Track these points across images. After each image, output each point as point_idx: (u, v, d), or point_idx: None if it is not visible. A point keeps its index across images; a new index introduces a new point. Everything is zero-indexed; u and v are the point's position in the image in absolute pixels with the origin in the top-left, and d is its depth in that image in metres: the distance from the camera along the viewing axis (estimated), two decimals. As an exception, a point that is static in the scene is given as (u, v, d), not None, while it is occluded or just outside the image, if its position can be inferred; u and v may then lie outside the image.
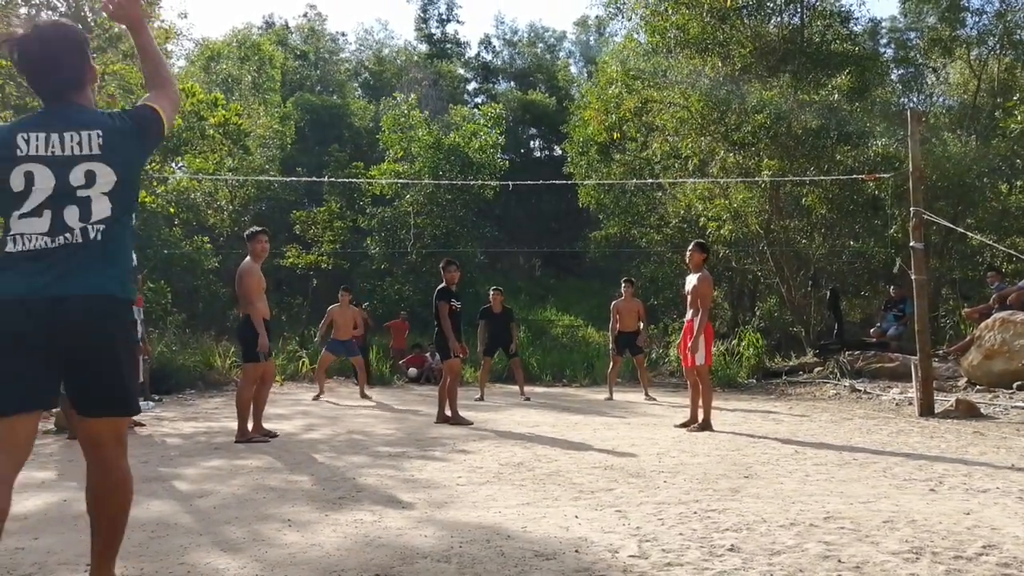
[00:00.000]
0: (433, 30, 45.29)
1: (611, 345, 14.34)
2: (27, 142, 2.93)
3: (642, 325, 13.77)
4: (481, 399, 13.17)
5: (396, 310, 21.44)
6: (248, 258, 8.42)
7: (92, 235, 2.92)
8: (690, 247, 9.39)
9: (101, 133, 2.98)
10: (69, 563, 3.82)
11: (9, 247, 2.89)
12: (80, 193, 2.93)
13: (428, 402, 13.19)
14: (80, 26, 4.07)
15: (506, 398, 13.65)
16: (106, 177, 2.96)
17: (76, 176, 2.93)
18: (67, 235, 2.89)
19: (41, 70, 3.02)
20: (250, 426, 8.26)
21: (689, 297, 9.17)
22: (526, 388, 14.43)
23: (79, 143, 2.95)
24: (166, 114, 3.18)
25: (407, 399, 14.00)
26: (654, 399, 13.29)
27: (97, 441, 3.03)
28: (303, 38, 43.17)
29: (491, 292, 14.49)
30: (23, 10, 17.20)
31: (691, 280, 9.18)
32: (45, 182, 2.91)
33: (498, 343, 14.20)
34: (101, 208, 2.95)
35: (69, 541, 4.21)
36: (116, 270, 2.96)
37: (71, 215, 2.90)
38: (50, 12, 17.47)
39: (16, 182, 2.90)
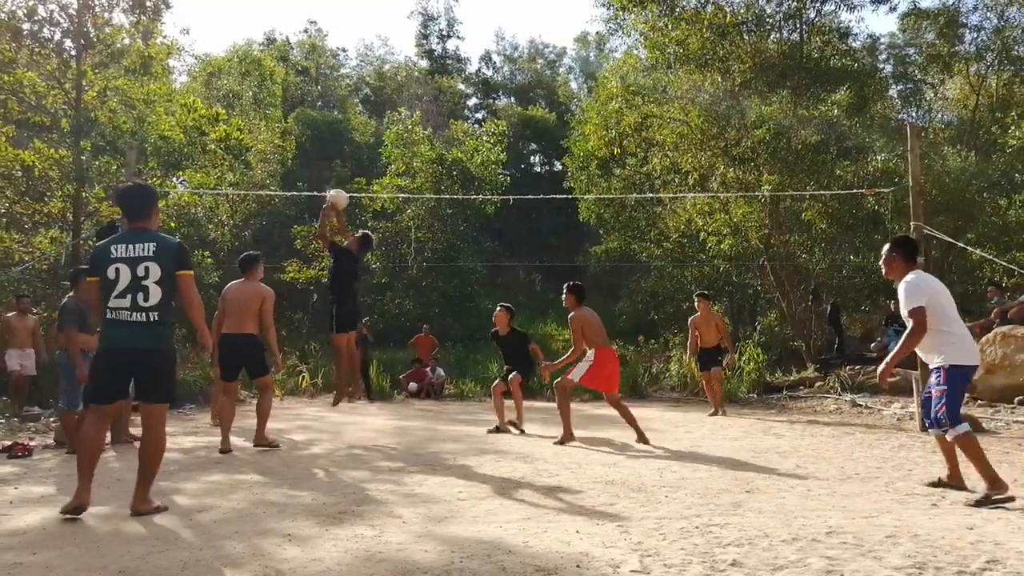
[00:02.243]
0: (434, 46, 45.46)
1: (694, 363, 13.80)
2: (116, 250, 5.22)
3: (723, 342, 12.91)
4: (499, 429, 10.71)
5: (397, 324, 21.44)
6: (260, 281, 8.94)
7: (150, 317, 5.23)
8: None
9: (154, 247, 5.22)
10: (68, 578, 3.80)
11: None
12: (143, 283, 5.15)
13: (428, 417, 13.18)
14: (151, 185, 6.65)
15: (507, 414, 13.57)
16: (155, 272, 5.18)
17: (140, 270, 5.16)
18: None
19: (130, 208, 5.52)
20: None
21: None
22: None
23: (143, 252, 5.20)
24: (188, 290, 5.44)
25: (407, 414, 13.97)
26: (724, 412, 12.71)
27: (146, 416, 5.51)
28: (304, 54, 43.33)
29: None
30: (25, 26, 17.25)
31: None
32: (126, 276, 5.17)
33: (512, 368, 11.04)
34: (155, 294, 5.19)
35: (68, 556, 4.19)
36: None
37: (141, 298, 5.17)
38: (53, 28, 17.53)
39: (111, 274, 5.17)
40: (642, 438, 9.09)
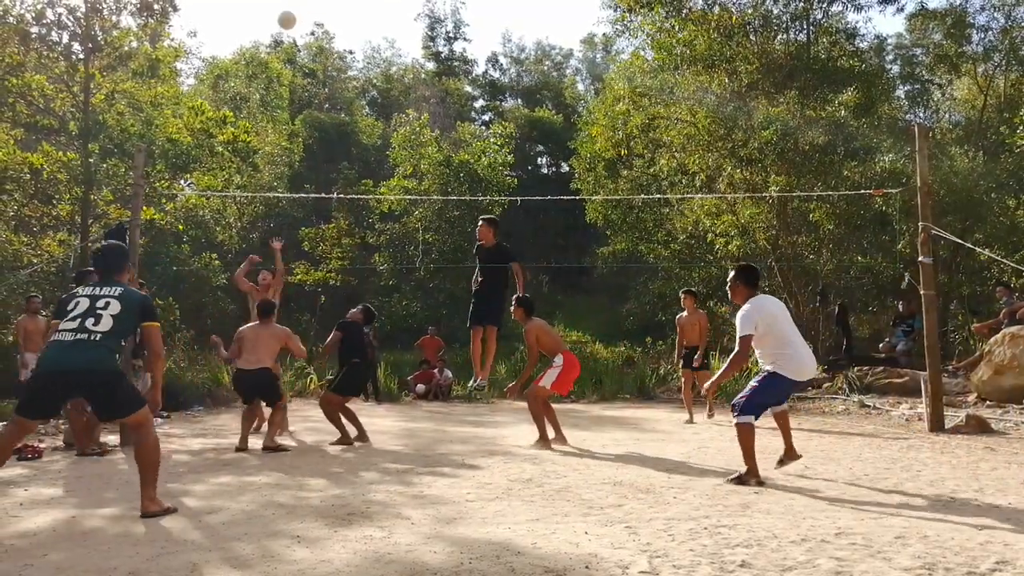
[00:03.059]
0: (440, 48, 45.53)
1: (678, 361, 13.30)
2: (83, 290, 5.48)
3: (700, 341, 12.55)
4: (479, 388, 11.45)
5: (404, 326, 21.45)
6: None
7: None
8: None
9: (121, 290, 5.41)
10: (79, 579, 3.81)
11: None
12: (98, 311, 5.25)
13: (436, 418, 13.19)
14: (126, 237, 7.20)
15: (515, 414, 13.61)
16: (115, 307, 5.30)
17: (100, 303, 5.29)
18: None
19: (104, 267, 5.68)
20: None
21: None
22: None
23: (109, 291, 5.38)
24: (154, 341, 5.60)
25: (415, 415, 13.98)
26: (712, 414, 12.40)
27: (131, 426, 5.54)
28: (311, 56, 43.39)
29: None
30: (34, 29, 17.31)
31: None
32: (84, 305, 5.31)
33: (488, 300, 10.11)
34: (106, 323, 5.23)
35: (78, 558, 4.21)
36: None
37: (91, 323, 5.22)
38: (61, 31, 17.59)
39: (70, 306, 5.36)
40: (558, 439, 9.08)
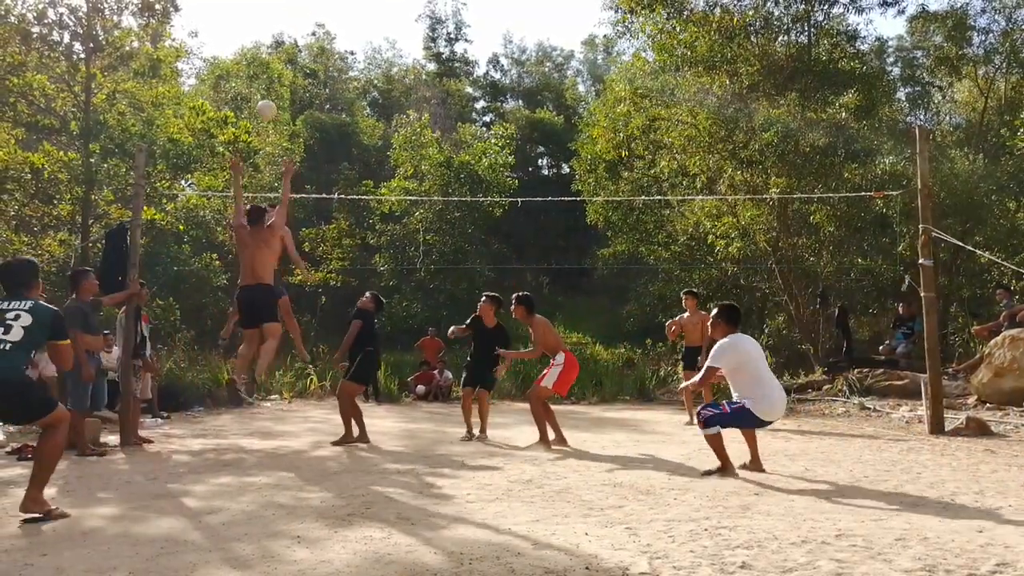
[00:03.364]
0: (441, 49, 45.45)
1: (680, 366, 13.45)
2: None
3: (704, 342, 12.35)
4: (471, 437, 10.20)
5: (405, 327, 21.44)
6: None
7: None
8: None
9: (31, 304, 5.39)
10: (79, 579, 3.81)
11: None
12: (8, 321, 5.26)
13: (436, 419, 13.19)
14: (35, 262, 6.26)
15: (515, 415, 13.60)
16: (26, 319, 5.29)
17: (10, 315, 5.29)
18: None
19: (9, 284, 5.62)
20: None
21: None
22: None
23: (18, 305, 5.37)
24: (61, 359, 5.71)
25: (415, 416, 13.98)
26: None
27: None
28: (312, 57, 43.37)
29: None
30: (35, 29, 17.33)
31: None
32: None
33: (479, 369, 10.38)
34: (17, 333, 5.23)
35: (78, 558, 4.21)
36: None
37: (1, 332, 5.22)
38: (62, 31, 17.60)
39: None
40: (558, 440, 9.10)
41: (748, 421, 6.91)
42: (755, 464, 7.08)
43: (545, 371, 9.36)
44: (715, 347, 7.00)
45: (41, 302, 5.54)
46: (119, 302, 10.06)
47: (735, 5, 18.30)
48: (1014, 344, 11.70)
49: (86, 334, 8.41)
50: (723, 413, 6.86)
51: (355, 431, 9.59)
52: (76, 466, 7.71)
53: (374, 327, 10.32)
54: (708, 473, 6.87)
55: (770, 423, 7.13)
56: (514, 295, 9.61)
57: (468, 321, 10.43)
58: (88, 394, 8.70)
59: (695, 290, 13.84)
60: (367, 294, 10.80)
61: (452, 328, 10.59)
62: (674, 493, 5.95)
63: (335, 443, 9.42)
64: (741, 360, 6.88)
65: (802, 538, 4.44)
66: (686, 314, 12.83)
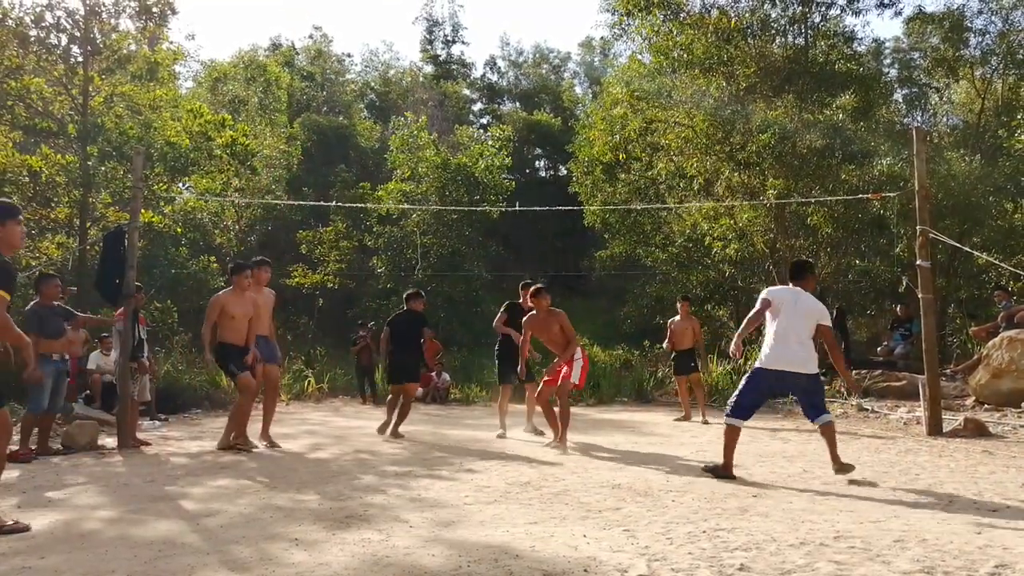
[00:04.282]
0: (439, 51, 45.44)
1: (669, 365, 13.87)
2: None
3: (697, 345, 13.20)
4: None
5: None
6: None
7: None
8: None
9: None
10: (76, 582, 3.81)
11: None
12: None
13: (433, 421, 13.19)
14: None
15: (512, 417, 13.57)
16: None
17: None
18: None
19: None
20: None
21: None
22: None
23: None
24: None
25: (412, 418, 13.94)
26: (706, 421, 12.50)
27: None
28: (309, 59, 43.32)
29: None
30: (33, 32, 17.31)
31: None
32: None
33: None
34: None
35: (76, 560, 4.21)
36: None
37: None
38: (60, 34, 17.58)
39: None
40: (560, 440, 9.14)
41: (759, 382, 6.94)
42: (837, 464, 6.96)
43: (563, 365, 9.27)
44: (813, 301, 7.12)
45: None
46: (93, 325, 10.52)
47: (731, 7, 18.34)
48: (1012, 345, 11.71)
49: (43, 337, 8.53)
50: (739, 392, 6.96)
51: (392, 422, 10.73)
52: (74, 468, 7.69)
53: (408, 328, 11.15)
54: (708, 470, 6.97)
55: (787, 384, 7.12)
56: (535, 287, 9.54)
57: (506, 306, 11.15)
58: (45, 396, 8.70)
59: (689, 296, 14.02)
60: (415, 292, 11.42)
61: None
62: (672, 495, 5.94)
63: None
64: (776, 306, 6.99)
65: (800, 540, 4.44)
66: (677, 318, 13.01)
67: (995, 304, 14.50)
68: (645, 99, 19.69)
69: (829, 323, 7.04)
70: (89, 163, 17.15)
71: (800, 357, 6.86)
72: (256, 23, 76.75)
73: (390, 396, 11.41)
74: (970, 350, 14.46)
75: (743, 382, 7.02)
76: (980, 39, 20.57)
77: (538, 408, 10.13)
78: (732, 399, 7.02)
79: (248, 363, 8.98)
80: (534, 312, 9.41)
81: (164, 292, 19.04)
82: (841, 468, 6.81)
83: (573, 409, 15.43)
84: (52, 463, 8.15)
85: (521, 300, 10.62)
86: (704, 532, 4.67)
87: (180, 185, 20.66)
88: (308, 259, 25.00)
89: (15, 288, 4.79)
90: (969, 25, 20.32)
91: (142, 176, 11.65)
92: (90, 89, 17.76)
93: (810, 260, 7.67)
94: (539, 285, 9.61)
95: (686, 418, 12.86)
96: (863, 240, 18.58)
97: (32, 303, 8.98)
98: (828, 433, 6.92)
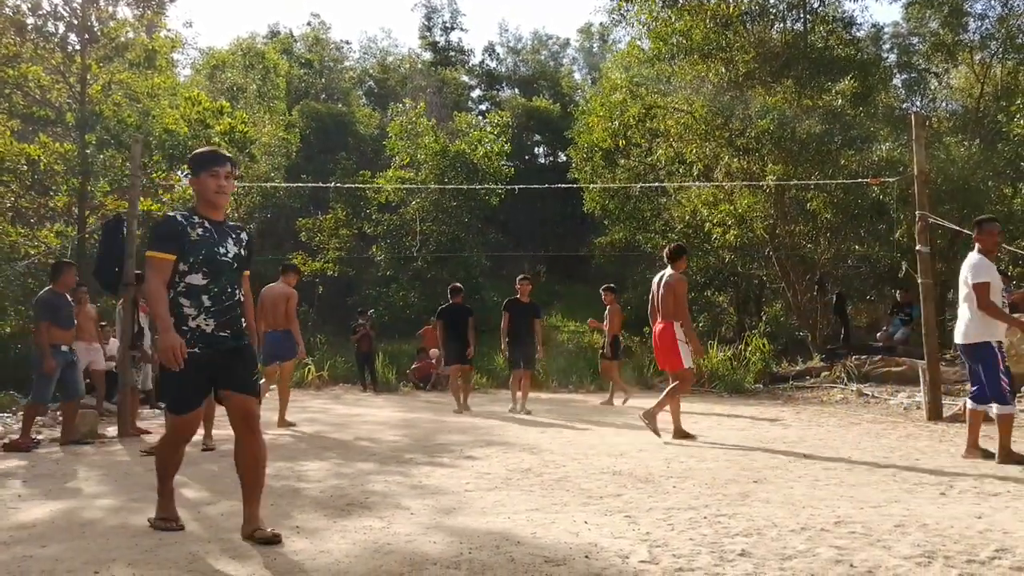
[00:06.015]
0: (437, 38, 45.29)
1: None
2: None
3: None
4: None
5: (403, 316, 21.42)
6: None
7: None
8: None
9: None
10: (76, 571, 3.81)
11: None
12: None
13: (434, 409, 13.19)
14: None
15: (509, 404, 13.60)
16: None
17: None
18: None
19: None
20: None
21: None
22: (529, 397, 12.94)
23: None
24: None
25: (413, 405, 13.98)
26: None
27: None
28: (308, 47, 43.18)
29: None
30: (30, 20, 17.26)
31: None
32: None
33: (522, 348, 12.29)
34: None
35: (77, 549, 4.21)
36: None
37: None
38: (57, 22, 17.52)
39: None
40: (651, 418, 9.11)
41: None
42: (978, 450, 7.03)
43: (678, 352, 8.79)
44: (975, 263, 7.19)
45: None
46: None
47: (730, -8, 18.27)
48: (1011, 330, 11.69)
49: (55, 326, 8.45)
50: (989, 377, 7.02)
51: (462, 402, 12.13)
52: (75, 457, 7.70)
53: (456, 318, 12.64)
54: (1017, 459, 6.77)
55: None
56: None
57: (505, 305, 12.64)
58: (50, 387, 8.65)
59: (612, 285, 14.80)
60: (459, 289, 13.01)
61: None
62: (673, 481, 5.95)
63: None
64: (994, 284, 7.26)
65: (801, 525, 4.45)
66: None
67: (995, 289, 14.46)
68: (644, 85, 19.65)
69: None
70: (87, 151, 17.13)
71: None
72: (254, 10, 76.42)
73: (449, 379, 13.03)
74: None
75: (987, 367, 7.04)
76: (979, 23, 20.50)
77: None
78: (991, 389, 6.93)
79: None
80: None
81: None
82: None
83: (572, 397, 15.53)
84: (54, 452, 8.16)
85: (519, 295, 12.29)
86: (705, 518, 4.67)
87: (179, 173, 20.63)
88: (308, 247, 25.00)
89: (183, 250, 4.28)
90: (968, 9, 20.23)
91: (140, 164, 11.63)
92: (88, 77, 17.73)
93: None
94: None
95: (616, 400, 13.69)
96: (862, 225, 18.55)
97: (45, 289, 8.86)
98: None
